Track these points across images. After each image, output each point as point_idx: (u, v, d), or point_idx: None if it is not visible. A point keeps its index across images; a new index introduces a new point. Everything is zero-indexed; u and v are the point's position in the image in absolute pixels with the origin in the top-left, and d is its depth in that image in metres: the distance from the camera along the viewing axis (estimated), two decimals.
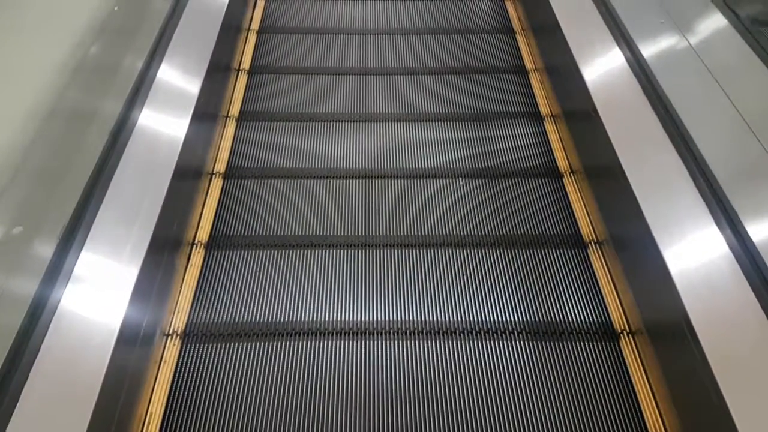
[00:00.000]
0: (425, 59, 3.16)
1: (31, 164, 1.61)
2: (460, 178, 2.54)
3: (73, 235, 1.64)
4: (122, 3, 2.16)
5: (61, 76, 1.65)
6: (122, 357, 1.56)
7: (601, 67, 2.38)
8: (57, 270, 1.56)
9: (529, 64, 3.10)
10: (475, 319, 2.03)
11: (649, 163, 1.96)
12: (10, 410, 1.33)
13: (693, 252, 1.71)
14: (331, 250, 2.24)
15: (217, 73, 2.67)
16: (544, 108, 2.84)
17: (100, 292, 1.60)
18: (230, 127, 2.73)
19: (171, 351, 1.92)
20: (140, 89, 2.15)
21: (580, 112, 2.48)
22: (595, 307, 2.07)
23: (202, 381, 1.87)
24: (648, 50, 2.27)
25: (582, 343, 1.96)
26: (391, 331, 1.99)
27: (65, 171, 1.74)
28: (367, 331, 1.99)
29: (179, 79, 2.34)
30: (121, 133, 1.97)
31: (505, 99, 2.91)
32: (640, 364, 1.89)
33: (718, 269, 1.64)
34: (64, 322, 1.50)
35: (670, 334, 1.74)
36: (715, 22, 2.26)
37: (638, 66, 2.23)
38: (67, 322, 1.50)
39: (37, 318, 1.47)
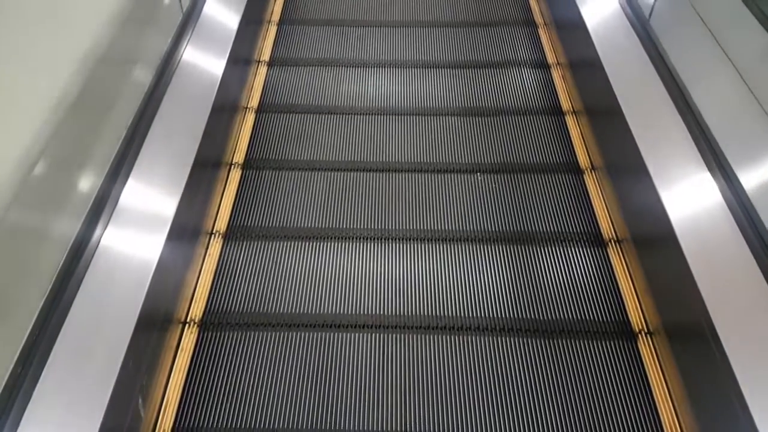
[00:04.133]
0: (445, 52, 3.14)
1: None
2: (478, 173, 2.52)
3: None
4: None
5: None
6: (142, 340, 1.58)
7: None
8: (85, 243, 1.58)
9: (550, 58, 3.07)
10: (492, 315, 2.02)
11: (672, 161, 1.93)
12: None
13: (716, 252, 1.68)
14: (347, 243, 2.24)
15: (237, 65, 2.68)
16: (565, 103, 2.81)
17: (120, 276, 1.62)
18: (250, 118, 2.74)
19: (188, 339, 1.94)
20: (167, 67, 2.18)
21: (602, 107, 2.45)
22: (614, 306, 2.04)
23: (219, 369, 1.88)
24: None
25: (600, 342, 1.94)
26: (407, 326, 1.99)
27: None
28: (381, 325, 1.99)
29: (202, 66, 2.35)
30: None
31: (525, 92, 2.88)
32: (657, 364, 1.87)
33: (742, 270, 1.61)
34: (86, 305, 1.52)
35: (690, 334, 1.71)
36: None
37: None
38: (88, 305, 1.52)
39: (55, 304, 1.48)
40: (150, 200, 1.84)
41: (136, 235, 1.73)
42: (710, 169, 1.84)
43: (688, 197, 1.84)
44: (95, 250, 1.61)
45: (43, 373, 1.35)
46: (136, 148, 1.89)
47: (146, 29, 2.12)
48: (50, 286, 1.47)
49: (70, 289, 1.50)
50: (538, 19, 3.33)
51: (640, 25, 2.40)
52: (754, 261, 1.61)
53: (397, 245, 2.23)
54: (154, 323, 1.71)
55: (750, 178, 1.73)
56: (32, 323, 1.40)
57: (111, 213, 1.70)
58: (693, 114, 1.98)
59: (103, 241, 1.63)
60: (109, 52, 1.77)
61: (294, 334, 1.96)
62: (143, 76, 2.06)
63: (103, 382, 1.39)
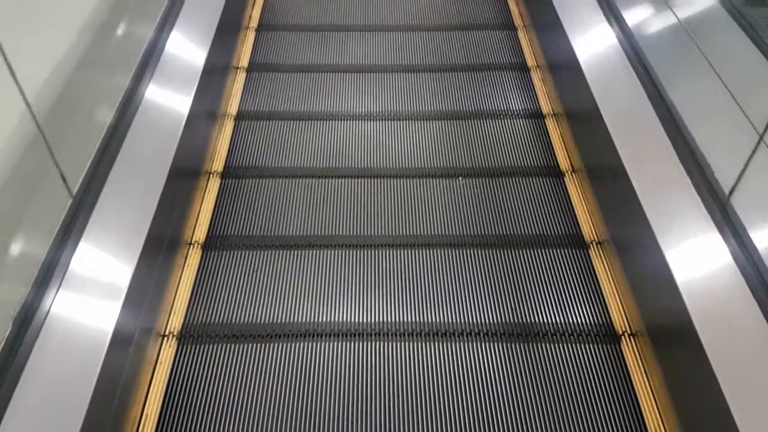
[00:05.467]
0: (425, 56, 3.13)
1: None
2: (460, 177, 2.51)
3: (69, 231, 1.63)
4: None
5: None
6: (117, 357, 1.55)
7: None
8: (50, 268, 1.54)
9: (530, 61, 3.07)
10: (474, 320, 2.01)
11: (651, 164, 1.94)
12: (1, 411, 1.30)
13: (696, 251, 1.69)
14: (327, 251, 2.21)
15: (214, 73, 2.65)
16: (546, 107, 2.81)
17: (93, 293, 1.58)
18: (228, 126, 2.71)
19: (167, 352, 1.90)
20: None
21: (581, 111, 2.45)
22: (597, 309, 2.04)
23: (199, 382, 1.85)
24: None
25: (583, 345, 1.94)
26: (389, 333, 1.97)
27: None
28: (364, 333, 1.97)
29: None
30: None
31: (505, 95, 2.89)
32: (641, 366, 1.87)
33: (721, 272, 1.62)
34: (56, 323, 1.48)
35: (672, 336, 1.72)
36: None
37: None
38: (60, 323, 1.48)
39: (29, 320, 1.45)
40: (125, 212, 1.80)
41: (109, 249, 1.69)
42: (687, 169, 1.85)
43: (668, 199, 1.84)
44: (68, 266, 1.57)
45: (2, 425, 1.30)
46: (108, 161, 1.85)
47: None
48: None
49: (43, 306, 1.46)
50: (517, 21, 3.34)
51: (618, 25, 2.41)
52: (732, 259, 1.62)
53: (378, 252, 2.21)
54: (130, 340, 1.67)
55: (730, 179, 1.74)
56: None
57: (84, 227, 1.66)
58: (669, 111, 1.99)
59: (76, 254, 1.60)
60: (83, 59, 1.74)
61: (275, 345, 1.93)
62: (115, 89, 2.02)
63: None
